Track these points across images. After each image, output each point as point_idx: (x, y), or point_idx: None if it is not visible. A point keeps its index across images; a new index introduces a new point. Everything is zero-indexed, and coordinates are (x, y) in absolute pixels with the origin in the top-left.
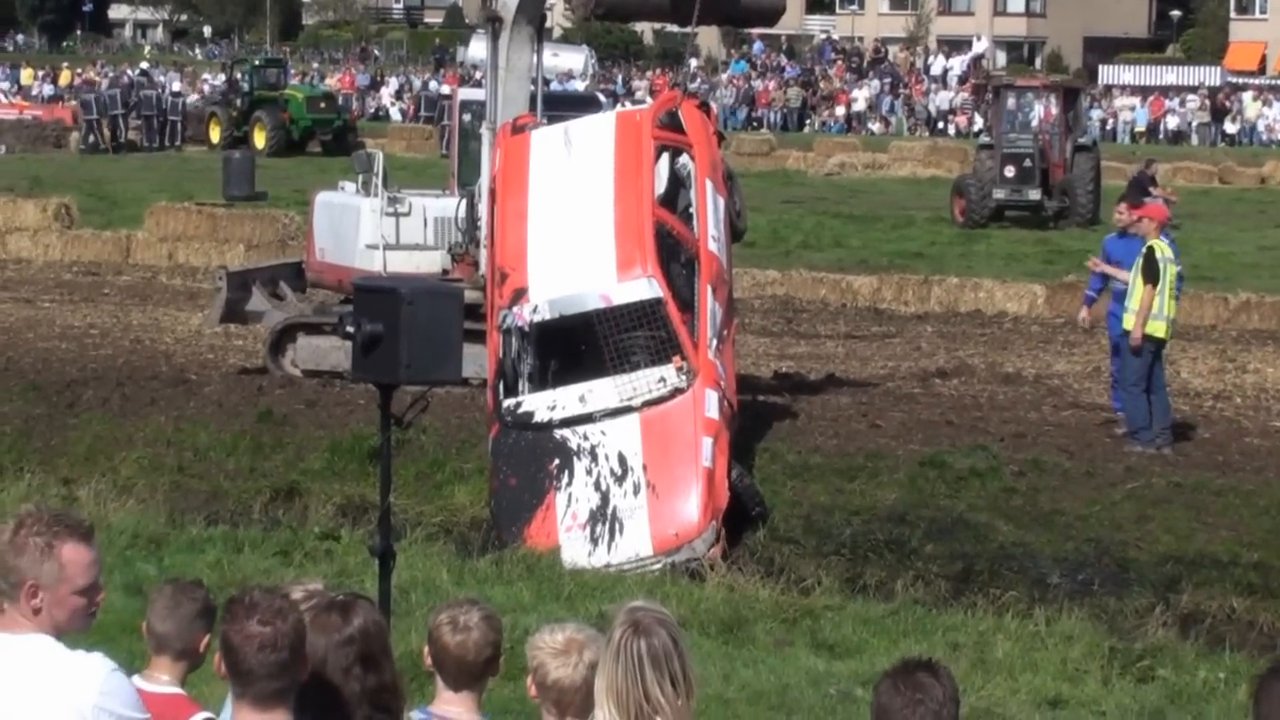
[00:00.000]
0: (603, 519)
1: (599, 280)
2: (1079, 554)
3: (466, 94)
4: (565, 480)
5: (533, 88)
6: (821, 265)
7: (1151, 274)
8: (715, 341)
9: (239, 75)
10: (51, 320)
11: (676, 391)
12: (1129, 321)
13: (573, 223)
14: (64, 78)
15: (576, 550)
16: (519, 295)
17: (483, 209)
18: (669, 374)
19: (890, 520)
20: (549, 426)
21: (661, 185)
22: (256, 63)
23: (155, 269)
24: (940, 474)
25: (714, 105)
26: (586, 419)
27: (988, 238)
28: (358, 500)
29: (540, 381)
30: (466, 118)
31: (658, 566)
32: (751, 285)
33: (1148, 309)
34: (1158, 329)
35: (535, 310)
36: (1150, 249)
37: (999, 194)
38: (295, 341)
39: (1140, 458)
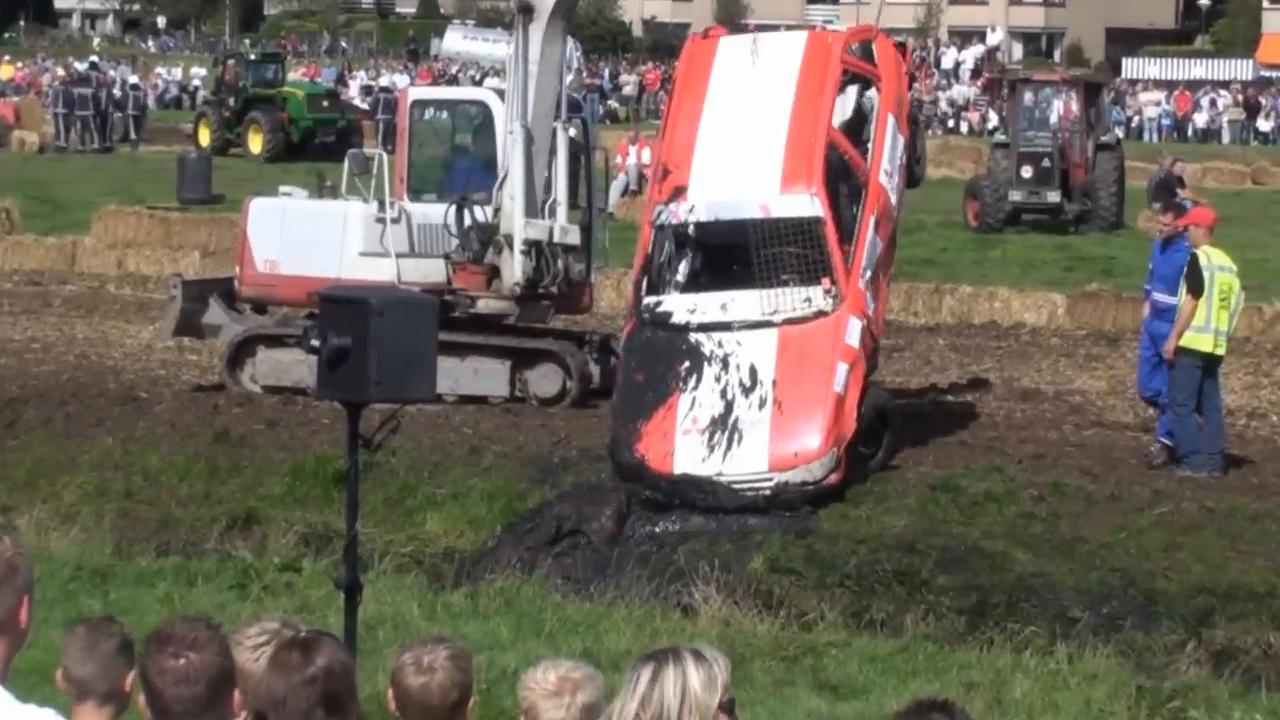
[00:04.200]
0: (723, 427)
1: (761, 190)
2: (1104, 585)
3: (418, 93)
4: (692, 383)
5: (559, 83)
6: None
7: (1195, 283)
8: (869, 273)
9: (235, 72)
10: None
11: (820, 314)
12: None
13: (744, 130)
14: (4, 71)
15: (690, 454)
16: (677, 193)
17: (513, 212)
18: (815, 295)
19: (899, 549)
20: (685, 329)
21: (845, 114)
22: (252, 57)
23: (103, 278)
24: (953, 499)
25: (910, 44)
26: (725, 327)
27: (1003, 243)
28: (321, 529)
29: (684, 283)
30: (420, 115)
31: (769, 484)
32: None
33: (1187, 320)
34: (1201, 343)
35: (691, 210)
36: (1194, 257)
37: (1015, 196)
38: (255, 356)
39: (1169, 481)
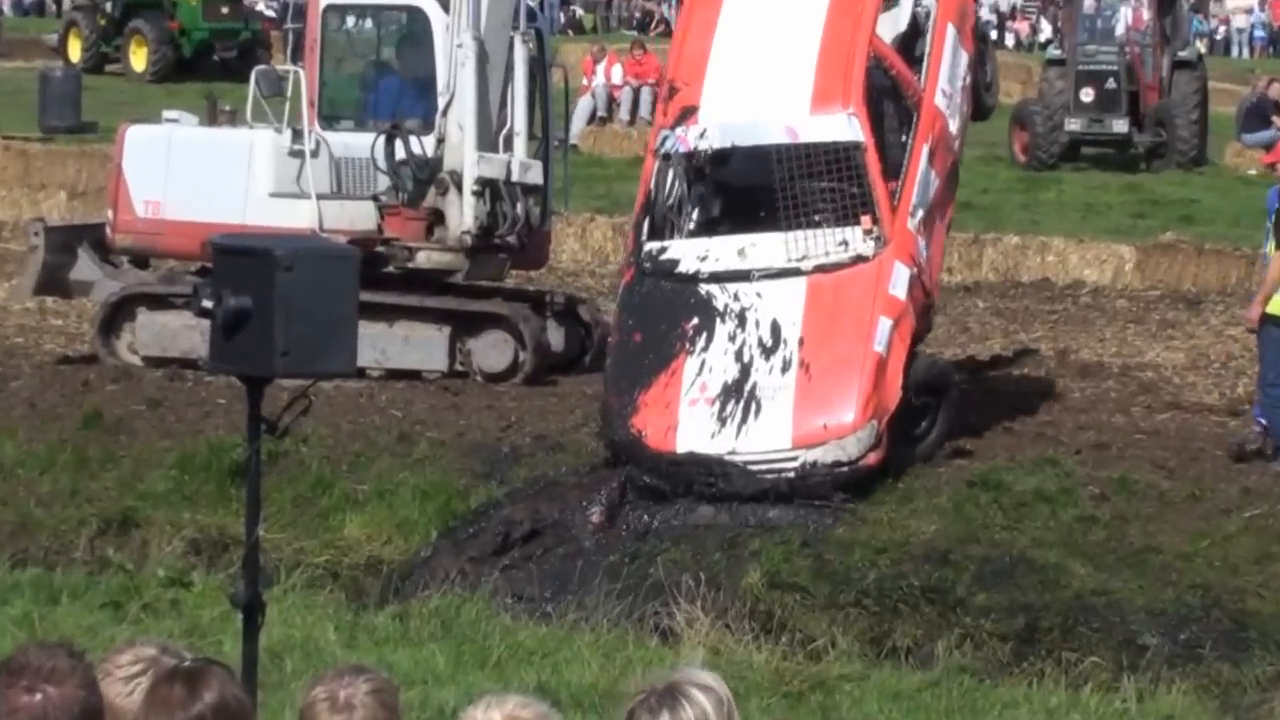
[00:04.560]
0: (737, 396)
1: (788, 110)
2: (1181, 606)
3: None
4: (701, 344)
5: None
6: None
7: None
8: (921, 213)
9: None
10: None
11: (858, 259)
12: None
13: (769, 41)
14: None
15: (697, 428)
16: (686, 115)
17: (463, 144)
18: (853, 237)
19: (929, 560)
20: (694, 279)
21: (898, 28)
22: None
23: None
24: (995, 498)
25: None
26: (742, 276)
27: (1058, 183)
28: (215, 534)
29: (693, 225)
30: (336, 24)
31: (794, 465)
32: None
33: (1274, 281)
34: None
35: (703, 135)
36: None
37: (1073, 125)
38: (134, 320)
39: (1262, 477)
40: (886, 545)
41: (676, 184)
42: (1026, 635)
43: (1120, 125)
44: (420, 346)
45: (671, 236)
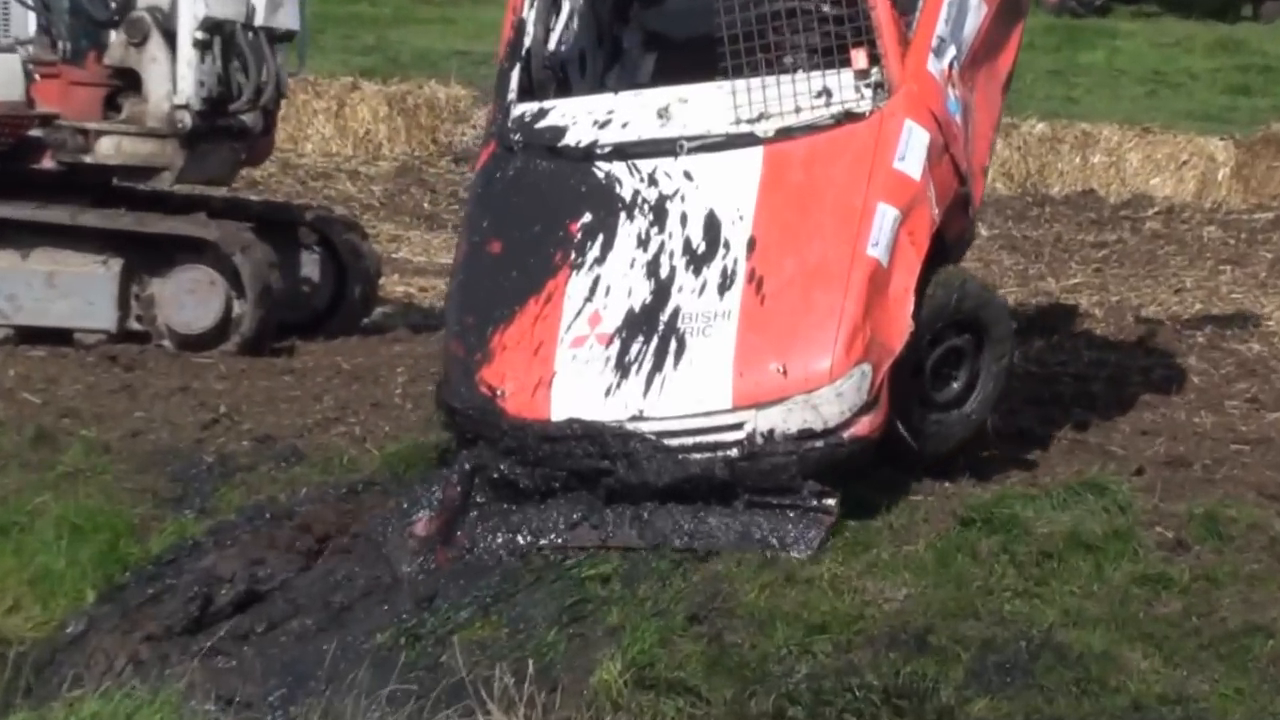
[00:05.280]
0: (648, 330)
1: None
2: None
3: None
4: (594, 253)
5: None
6: None
7: None
8: (952, 51)
9: None
10: None
11: (847, 118)
12: None
13: None
14: None
15: (583, 383)
16: None
17: None
18: (839, 84)
19: (897, 645)
20: (589, 154)
21: None
22: None
23: None
24: (1005, 545)
25: None
26: (663, 148)
27: (1110, 36)
28: None
29: (589, 74)
30: None
31: (737, 436)
32: None
33: None
34: None
35: None
36: None
37: None
38: None
39: None
40: (828, 619)
41: (564, 13)
42: None
43: None
44: (73, 290)
45: (554, 94)
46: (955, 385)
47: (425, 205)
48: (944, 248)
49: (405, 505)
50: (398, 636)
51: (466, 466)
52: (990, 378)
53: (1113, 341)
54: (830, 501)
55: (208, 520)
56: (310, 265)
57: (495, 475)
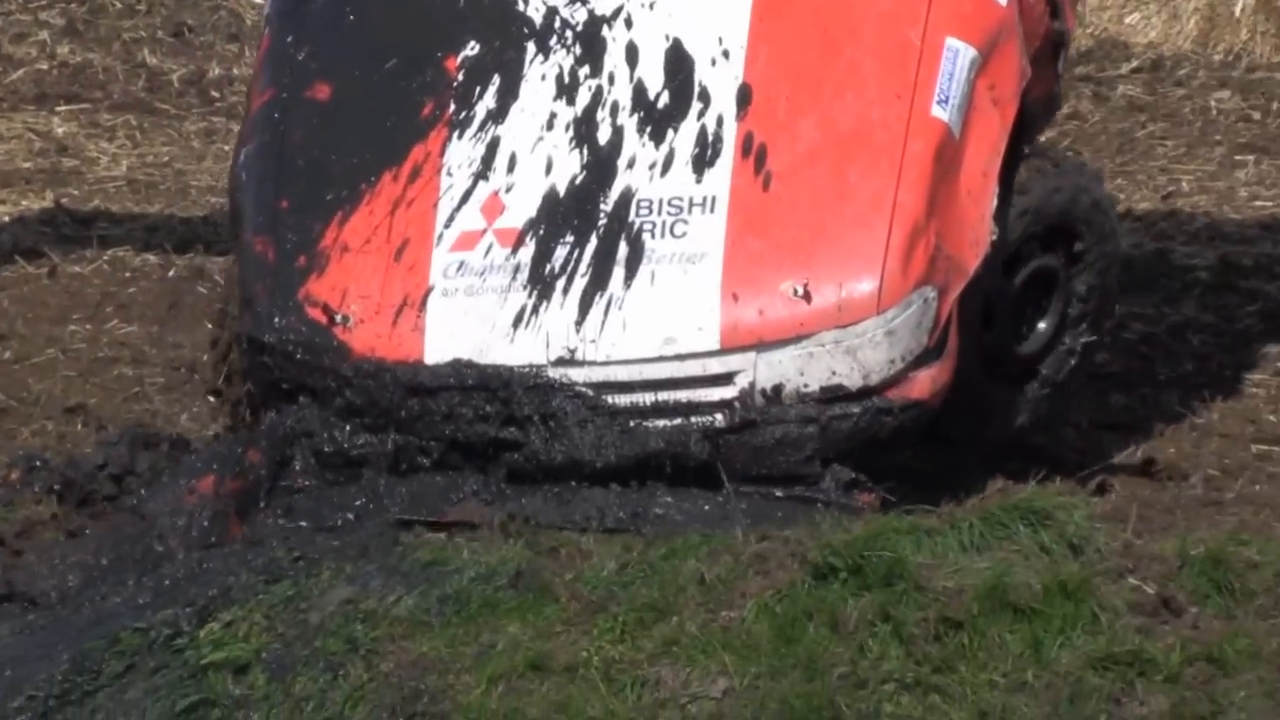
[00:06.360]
0: (582, 225)
1: None
2: None
3: None
4: (487, 102)
5: None
6: None
7: None
8: None
9: None
10: None
11: None
12: None
13: None
14: None
15: (476, 303)
16: None
17: None
18: None
19: None
20: None
21: None
22: None
23: None
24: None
25: None
26: None
27: None
28: None
29: None
30: None
31: (724, 391)
32: None
33: None
34: None
35: None
36: None
37: None
38: None
39: None
40: None
41: None
42: None
43: None
44: None
45: None
46: (1042, 328)
47: None
48: (1027, 115)
49: (179, 475)
50: None
51: (279, 430)
52: (1097, 314)
53: (1163, 255)
54: (867, 498)
55: None
56: None
57: (327, 448)
